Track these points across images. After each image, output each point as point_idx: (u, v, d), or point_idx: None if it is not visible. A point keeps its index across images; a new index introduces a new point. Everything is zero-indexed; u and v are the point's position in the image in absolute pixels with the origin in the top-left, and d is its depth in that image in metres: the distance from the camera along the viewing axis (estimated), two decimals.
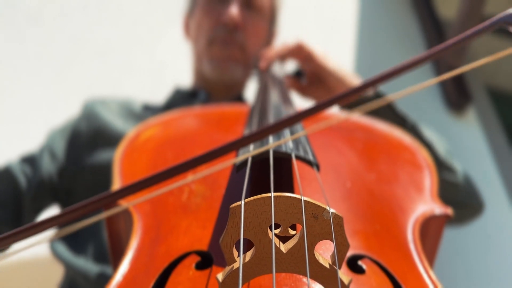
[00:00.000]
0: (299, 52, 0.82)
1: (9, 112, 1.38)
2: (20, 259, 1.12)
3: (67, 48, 1.54)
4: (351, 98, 0.37)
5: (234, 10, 0.88)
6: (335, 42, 1.78)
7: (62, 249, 0.77)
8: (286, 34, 1.66)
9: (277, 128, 0.37)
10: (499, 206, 1.30)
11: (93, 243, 0.77)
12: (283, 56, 0.84)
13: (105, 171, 0.78)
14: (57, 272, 0.90)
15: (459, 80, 1.56)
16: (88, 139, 0.83)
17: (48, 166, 0.81)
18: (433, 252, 0.53)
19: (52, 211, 0.93)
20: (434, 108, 1.60)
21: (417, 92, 1.67)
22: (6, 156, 0.87)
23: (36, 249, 0.91)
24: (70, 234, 0.79)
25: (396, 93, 0.41)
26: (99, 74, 1.52)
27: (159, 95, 1.05)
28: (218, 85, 0.93)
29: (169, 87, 1.06)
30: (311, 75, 0.84)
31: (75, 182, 0.82)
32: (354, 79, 0.82)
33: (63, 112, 1.10)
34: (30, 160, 0.82)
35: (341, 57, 1.73)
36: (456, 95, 1.55)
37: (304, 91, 0.85)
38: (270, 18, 0.98)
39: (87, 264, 0.74)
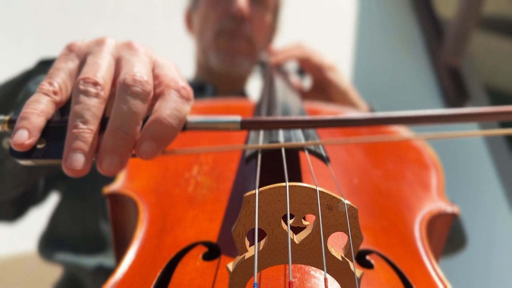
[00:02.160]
0: (307, 62, 0.84)
1: None
2: (18, 255, 1.11)
3: (65, 43, 1.54)
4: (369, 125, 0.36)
5: (242, 1, 0.88)
6: (334, 41, 1.79)
7: (55, 255, 0.76)
8: (285, 33, 1.66)
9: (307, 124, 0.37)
10: (497, 206, 1.30)
11: (88, 241, 0.77)
12: (294, 58, 0.86)
13: None
14: (54, 268, 0.89)
15: (457, 79, 1.57)
16: None
17: None
18: (438, 251, 0.53)
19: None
20: (432, 106, 1.61)
21: (414, 90, 1.68)
22: None
23: (30, 245, 0.90)
24: (62, 240, 0.79)
25: (438, 133, 0.38)
26: None
27: None
28: (224, 78, 0.93)
29: None
30: (315, 81, 0.85)
31: None
32: (355, 94, 0.85)
33: None
34: None
35: (340, 55, 1.74)
36: (455, 94, 1.56)
37: (305, 96, 0.86)
38: (274, 13, 0.98)
39: (80, 260, 0.74)
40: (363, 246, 0.41)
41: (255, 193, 0.30)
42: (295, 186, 0.30)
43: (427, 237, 0.46)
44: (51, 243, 0.79)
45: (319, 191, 0.30)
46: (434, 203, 0.50)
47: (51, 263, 0.78)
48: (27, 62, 1.50)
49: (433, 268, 0.41)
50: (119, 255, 0.53)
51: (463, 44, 1.49)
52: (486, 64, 1.76)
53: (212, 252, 0.39)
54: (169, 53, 1.15)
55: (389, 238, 0.44)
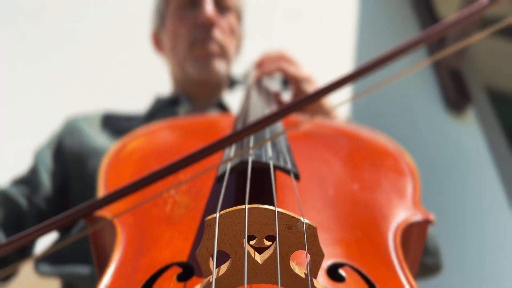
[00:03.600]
0: (283, 73, 0.86)
1: (8, 109, 1.39)
2: None
3: (66, 47, 1.55)
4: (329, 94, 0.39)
5: (209, 9, 0.91)
6: (334, 42, 1.79)
7: (46, 268, 0.77)
8: (286, 33, 1.67)
9: (253, 129, 0.39)
10: (498, 207, 1.30)
11: (83, 253, 0.77)
12: (270, 72, 0.88)
13: (91, 185, 0.78)
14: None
15: (458, 80, 1.58)
16: (72, 155, 0.83)
17: (48, 183, 0.81)
18: (416, 258, 0.53)
19: None
20: (433, 108, 1.61)
21: (415, 91, 1.68)
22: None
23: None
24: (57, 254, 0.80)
25: (387, 78, 0.42)
26: (97, 74, 1.53)
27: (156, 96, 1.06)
28: (202, 88, 0.96)
29: (166, 89, 1.08)
30: (293, 93, 0.87)
31: (66, 197, 0.82)
32: (329, 105, 0.87)
33: (60, 110, 1.11)
34: (26, 182, 0.82)
35: (340, 56, 1.74)
36: (456, 96, 1.56)
37: None
38: (238, 18, 1.02)
39: (76, 268, 0.74)
40: (336, 259, 0.42)
41: (215, 217, 0.31)
42: (254, 208, 0.31)
43: (401, 246, 0.47)
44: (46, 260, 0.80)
45: (277, 211, 0.31)
46: (409, 211, 0.51)
47: (46, 277, 0.78)
48: (28, 63, 1.51)
49: (406, 277, 0.42)
50: (101, 277, 0.53)
51: (464, 45, 1.50)
52: (487, 66, 1.77)
53: (186, 272, 0.40)
54: None
55: (362, 249, 0.44)
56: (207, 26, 0.91)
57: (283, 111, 0.40)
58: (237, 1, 1.01)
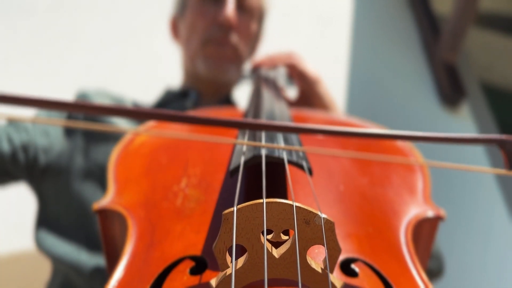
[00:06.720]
0: (292, 69, 0.85)
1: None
2: (9, 254, 1.12)
3: (60, 40, 1.54)
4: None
5: (230, 11, 0.89)
6: (330, 37, 1.79)
7: (51, 241, 0.75)
8: (283, 30, 1.66)
9: (274, 128, 0.37)
10: (493, 204, 1.30)
11: (83, 230, 0.76)
12: (278, 65, 0.88)
13: (99, 168, 0.78)
14: (47, 267, 0.88)
15: (453, 75, 1.57)
16: (85, 130, 0.82)
17: (38, 139, 0.80)
18: (426, 255, 0.53)
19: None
20: (428, 103, 1.61)
21: (410, 86, 1.68)
22: None
23: (24, 243, 0.91)
24: (55, 222, 0.79)
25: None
26: (92, 67, 1.52)
27: (153, 90, 1.05)
28: (211, 84, 0.95)
29: (163, 82, 1.07)
30: (301, 92, 0.87)
31: (59, 167, 0.80)
32: (337, 107, 0.87)
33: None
34: (17, 125, 0.79)
35: (336, 52, 1.74)
36: (450, 90, 1.56)
37: (290, 104, 0.88)
38: (258, 22, 1.00)
39: (80, 256, 0.73)
40: (348, 254, 0.42)
41: (233, 211, 0.31)
42: (272, 202, 0.31)
43: (413, 241, 0.47)
44: (50, 227, 0.78)
45: (295, 206, 0.31)
46: (420, 207, 0.51)
47: (48, 255, 0.76)
48: (23, 59, 1.50)
49: (418, 273, 0.42)
50: (111, 270, 0.54)
51: (459, 40, 1.50)
52: (482, 61, 1.77)
53: (199, 266, 0.40)
54: (168, 51, 1.17)
55: (374, 244, 0.44)
56: (225, 27, 0.90)
57: (305, 129, 0.38)
58: (261, 2, 0.99)
